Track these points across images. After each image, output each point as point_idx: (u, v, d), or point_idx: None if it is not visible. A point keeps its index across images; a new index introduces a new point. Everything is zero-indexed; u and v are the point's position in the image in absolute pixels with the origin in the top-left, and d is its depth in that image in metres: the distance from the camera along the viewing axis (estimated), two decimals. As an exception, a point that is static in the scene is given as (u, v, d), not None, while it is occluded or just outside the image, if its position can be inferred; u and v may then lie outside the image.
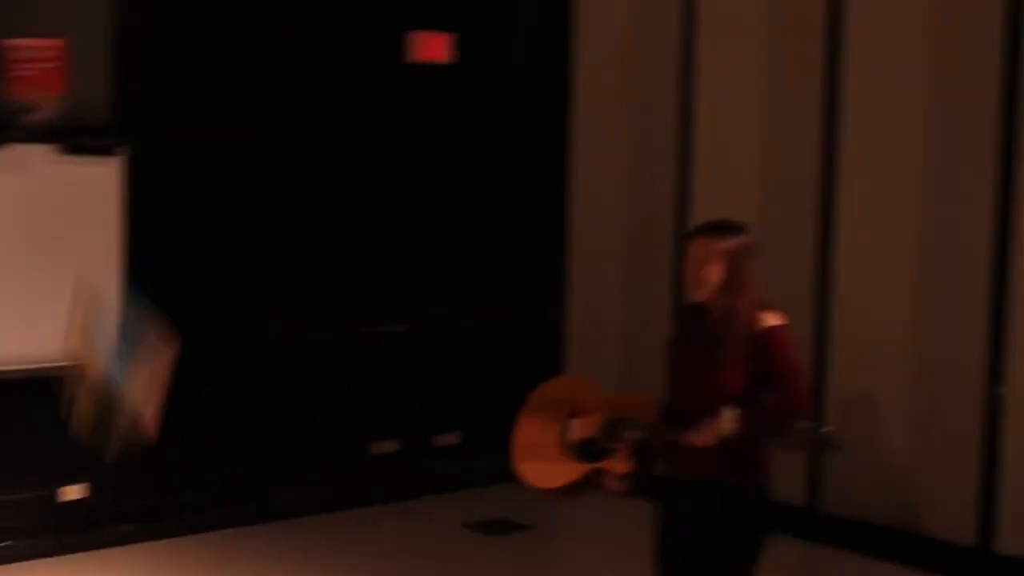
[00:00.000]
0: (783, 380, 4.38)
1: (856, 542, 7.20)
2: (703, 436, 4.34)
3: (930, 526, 7.03)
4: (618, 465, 4.55)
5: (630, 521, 7.73)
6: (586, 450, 4.63)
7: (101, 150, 7.02)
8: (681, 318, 4.72)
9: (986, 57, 6.75)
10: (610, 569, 6.95)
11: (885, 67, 7.19)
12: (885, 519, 7.21)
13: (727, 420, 4.27)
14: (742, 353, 4.39)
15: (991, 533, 6.78)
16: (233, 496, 7.65)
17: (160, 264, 7.37)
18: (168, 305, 7.38)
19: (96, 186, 7.02)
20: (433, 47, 8.26)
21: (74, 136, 6.92)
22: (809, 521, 7.43)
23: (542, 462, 4.74)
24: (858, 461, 7.28)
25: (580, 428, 4.67)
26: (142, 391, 3.62)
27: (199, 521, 7.34)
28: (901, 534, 7.13)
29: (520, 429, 4.85)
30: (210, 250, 7.63)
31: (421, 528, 7.77)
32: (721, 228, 4.55)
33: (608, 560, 7.12)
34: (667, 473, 4.62)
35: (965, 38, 6.87)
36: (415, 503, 8.13)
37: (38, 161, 6.83)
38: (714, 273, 4.47)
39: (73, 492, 7.09)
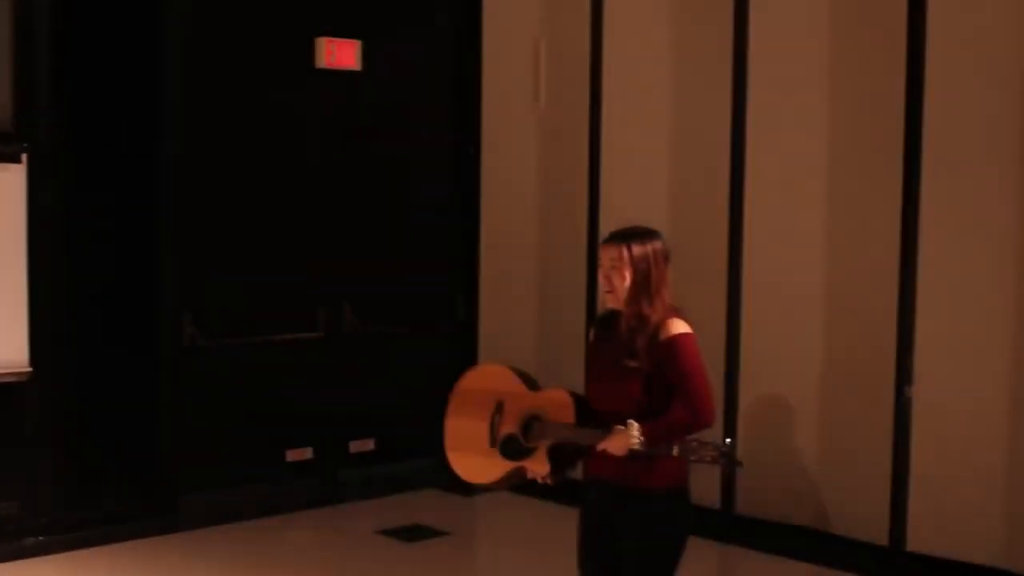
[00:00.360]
0: (687, 390, 4.38)
1: (770, 543, 7.27)
2: (612, 446, 4.36)
3: (842, 526, 7.11)
4: (537, 466, 4.56)
5: (546, 526, 7.75)
6: (508, 446, 4.63)
7: (5, 156, 6.90)
8: (597, 325, 4.73)
9: (891, 61, 6.84)
10: (525, 575, 6.95)
11: (790, 73, 7.26)
12: (799, 520, 7.29)
13: (634, 434, 4.28)
14: (649, 361, 4.41)
15: (902, 532, 6.88)
16: (144, 506, 7.55)
17: (66, 270, 7.26)
18: (74, 312, 7.31)
19: (0, 192, 6.90)
20: (342, 53, 8.23)
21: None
22: (724, 523, 7.49)
23: (469, 455, 4.75)
24: (771, 463, 7.36)
25: (502, 425, 4.66)
26: None
27: (110, 532, 7.23)
28: (814, 534, 7.20)
29: (449, 418, 4.83)
30: (117, 255, 7.52)
31: (336, 535, 7.72)
32: (632, 235, 4.55)
33: (523, 566, 7.12)
34: (586, 475, 4.63)
35: (870, 42, 6.97)
36: (330, 510, 8.08)
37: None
38: (625, 280, 4.48)
39: (-20, 505, 6.97)
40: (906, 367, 6.84)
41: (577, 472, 4.68)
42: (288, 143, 8.12)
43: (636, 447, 4.30)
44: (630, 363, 4.42)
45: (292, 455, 8.20)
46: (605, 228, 7.85)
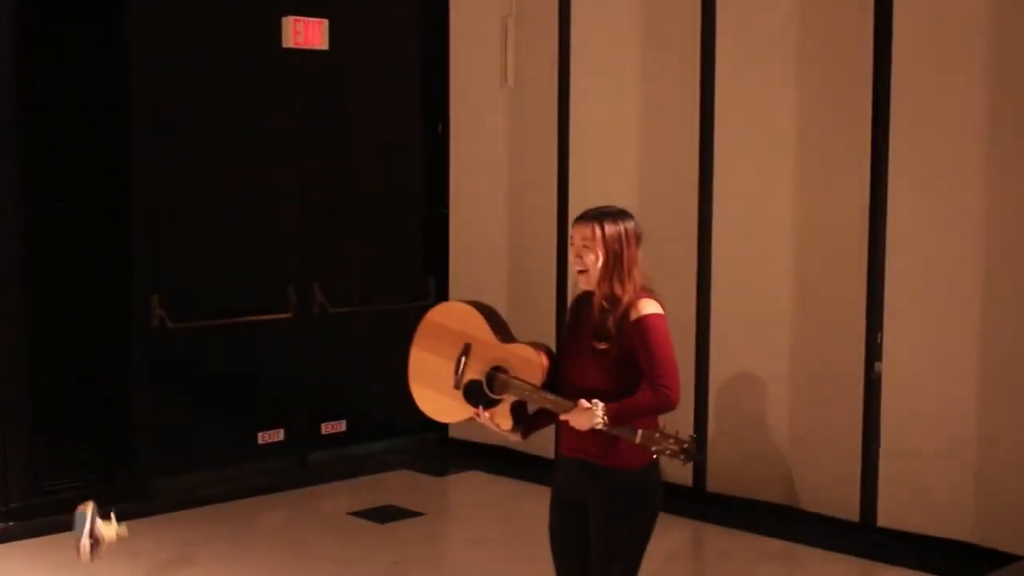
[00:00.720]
0: (653, 371, 4.37)
1: (742, 520, 7.29)
2: (574, 420, 4.38)
3: (813, 502, 7.15)
4: (500, 419, 4.56)
5: (518, 505, 7.76)
6: (472, 392, 4.62)
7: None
8: (572, 306, 4.73)
9: (858, 37, 6.87)
10: (497, 555, 6.95)
11: (759, 50, 7.28)
12: (770, 496, 7.32)
13: (599, 413, 4.30)
14: (618, 342, 4.41)
15: (873, 508, 6.92)
16: (116, 490, 7.51)
17: (32, 253, 7.21)
18: (41, 296, 7.25)
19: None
20: (310, 32, 8.18)
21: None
22: (695, 500, 7.52)
23: (432, 391, 4.72)
24: (742, 440, 7.39)
25: (467, 369, 4.64)
26: None
27: (80, 517, 7.19)
28: (786, 511, 7.24)
29: (416, 349, 4.79)
30: (85, 238, 7.47)
31: (308, 517, 7.71)
32: (605, 214, 4.55)
33: (496, 545, 7.13)
34: (556, 453, 4.63)
35: (839, 18, 6.98)
36: (302, 492, 8.06)
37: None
38: (597, 259, 4.48)
39: (-52, 491, 6.92)
40: (875, 343, 6.87)
41: (545, 448, 4.68)
42: (256, 123, 8.07)
43: (599, 427, 4.32)
44: (599, 345, 4.43)
45: (264, 437, 8.18)
46: (574, 207, 7.87)
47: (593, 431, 4.37)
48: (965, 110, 6.53)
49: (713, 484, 7.56)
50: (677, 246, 7.54)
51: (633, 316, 4.42)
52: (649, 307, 4.44)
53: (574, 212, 7.63)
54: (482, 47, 8.64)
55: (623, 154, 7.89)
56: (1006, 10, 6.41)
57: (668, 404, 4.39)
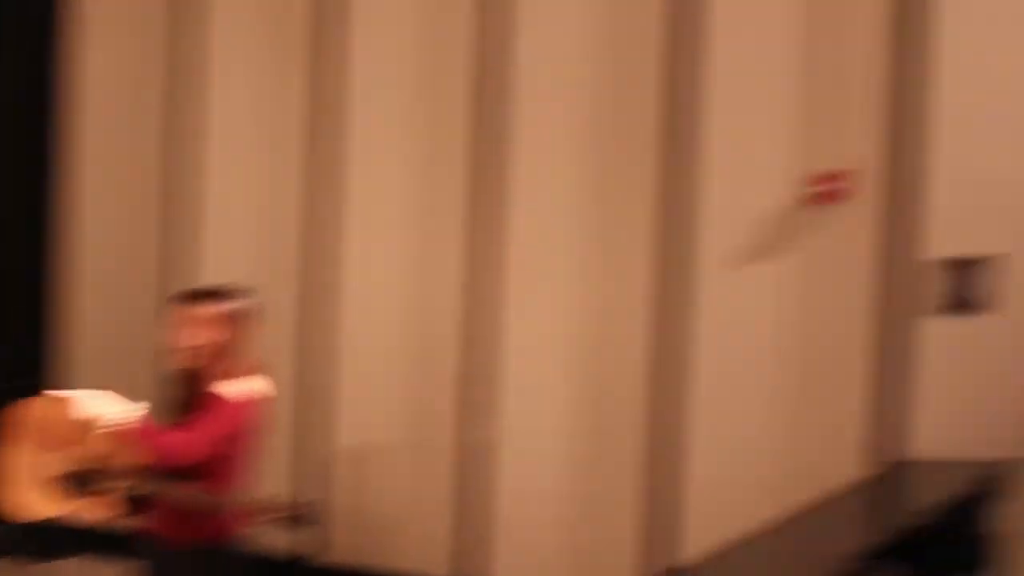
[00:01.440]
0: (192, 427, 4.28)
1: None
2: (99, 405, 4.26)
3: (408, 563, 7.24)
4: (101, 508, 4.42)
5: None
6: (73, 482, 4.44)
7: None
8: (167, 382, 4.62)
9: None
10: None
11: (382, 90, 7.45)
12: (388, 563, 7.38)
13: (130, 410, 4.21)
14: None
15: (465, 564, 7.10)
16: None
17: None
18: None
19: None
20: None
21: None
22: (311, 572, 7.47)
23: (24, 494, 4.50)
24: (364, 509, 7.43)
25: (64, 462, 4.44)
26: None
27: None
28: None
29: (5, 449, 4.55)
30: None
31: None
32: (215, 293, 4.49)
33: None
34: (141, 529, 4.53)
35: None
36: None
37: None
38: (206, 338, 4.38)
39: None
40: (486, 413, 7.08)
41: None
42: None
43: (112, 422, 4.21)
44: (187, 421, 4.35)
45: None
46: (183, 275, 7.75)
47: (170, 507, 4.24)
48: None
49: (334, 554, 7.52)
50: (299, 314, 7.54)
51: (215, 391, 4.34)
52: (235, 388, 4.37)
53: (176, 282, 7.56)
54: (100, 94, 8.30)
55: (243, 214, 7.82)
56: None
57: (171, 452, 4.25)
